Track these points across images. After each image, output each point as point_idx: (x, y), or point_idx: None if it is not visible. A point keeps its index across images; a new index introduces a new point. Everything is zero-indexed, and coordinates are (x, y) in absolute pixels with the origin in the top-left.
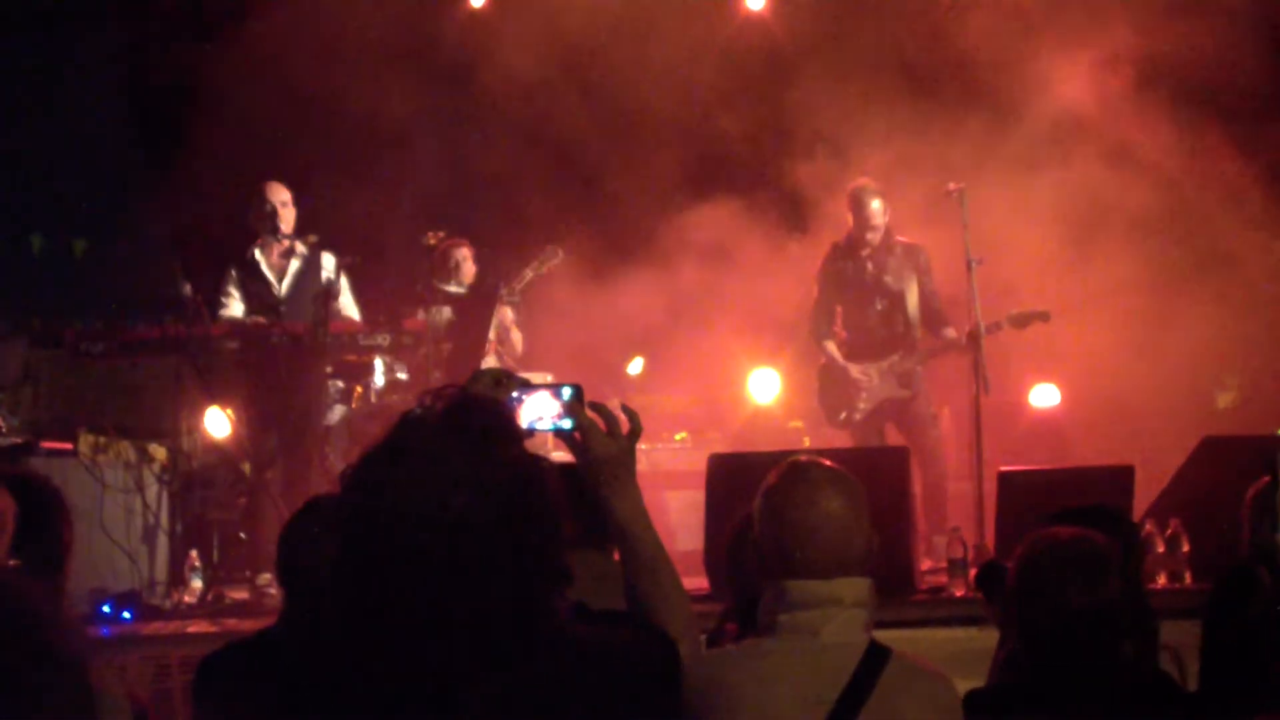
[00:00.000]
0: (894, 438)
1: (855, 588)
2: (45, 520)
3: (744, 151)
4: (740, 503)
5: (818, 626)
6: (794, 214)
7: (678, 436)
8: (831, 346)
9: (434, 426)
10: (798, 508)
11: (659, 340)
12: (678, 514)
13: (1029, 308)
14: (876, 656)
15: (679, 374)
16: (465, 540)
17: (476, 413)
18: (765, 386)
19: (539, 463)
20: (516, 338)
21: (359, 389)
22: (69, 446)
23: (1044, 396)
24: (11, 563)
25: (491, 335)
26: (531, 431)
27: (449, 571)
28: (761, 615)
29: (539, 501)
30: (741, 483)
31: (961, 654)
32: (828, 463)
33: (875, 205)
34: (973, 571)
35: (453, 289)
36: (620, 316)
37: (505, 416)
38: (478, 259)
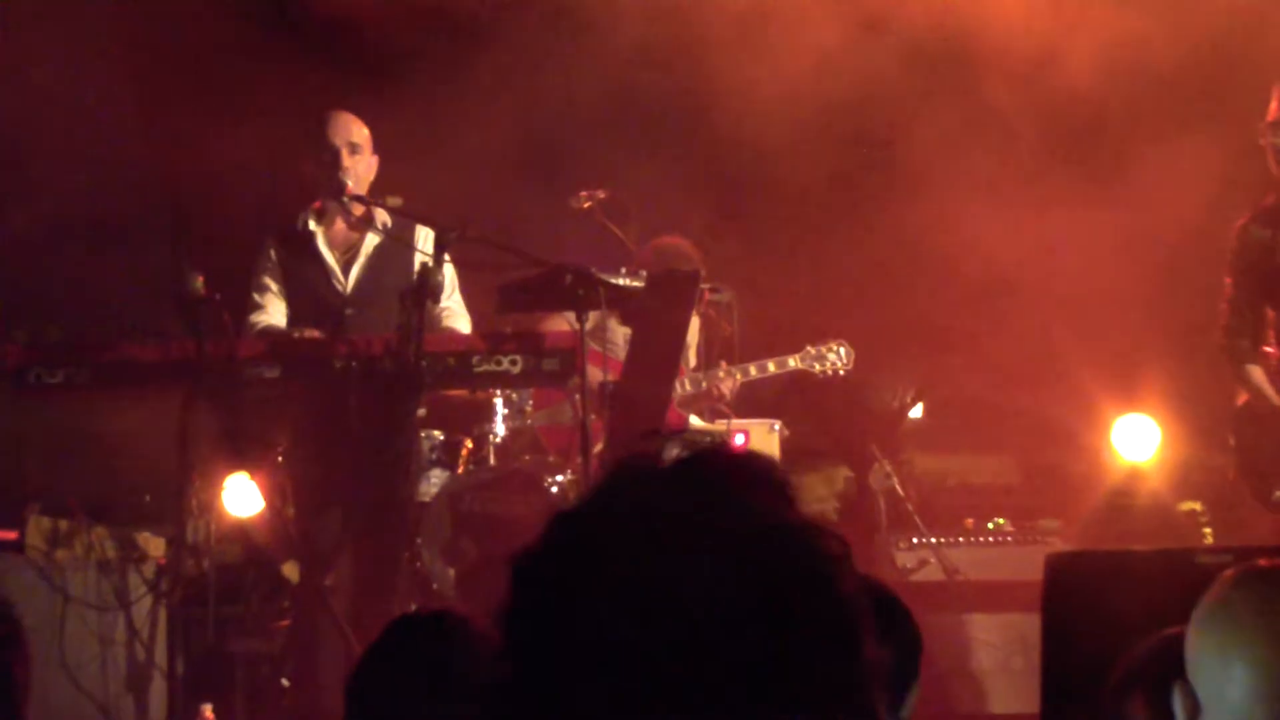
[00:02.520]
0: None
1: None
2: None
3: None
4: (1104, 633)
5: None
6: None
7: (992, 524)
8: (1259, 375)
9: (669, 485)
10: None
11: (949, 369)
12: (991, 650)
13: None
14: None
15: (987, 423)
16: (728, 662)
17: (737, 467)
18: (1139, 442)
19: (837, 544)
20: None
21: (468, 444)
22: (11, 536)
23: None
24: None
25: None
26: None
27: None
28: None
29: (835, 601)
30: (1105, 601)
31: None
32: None
33: None
34: None
35: (624, 281)
36: (887, 330)
37: (777, 474)
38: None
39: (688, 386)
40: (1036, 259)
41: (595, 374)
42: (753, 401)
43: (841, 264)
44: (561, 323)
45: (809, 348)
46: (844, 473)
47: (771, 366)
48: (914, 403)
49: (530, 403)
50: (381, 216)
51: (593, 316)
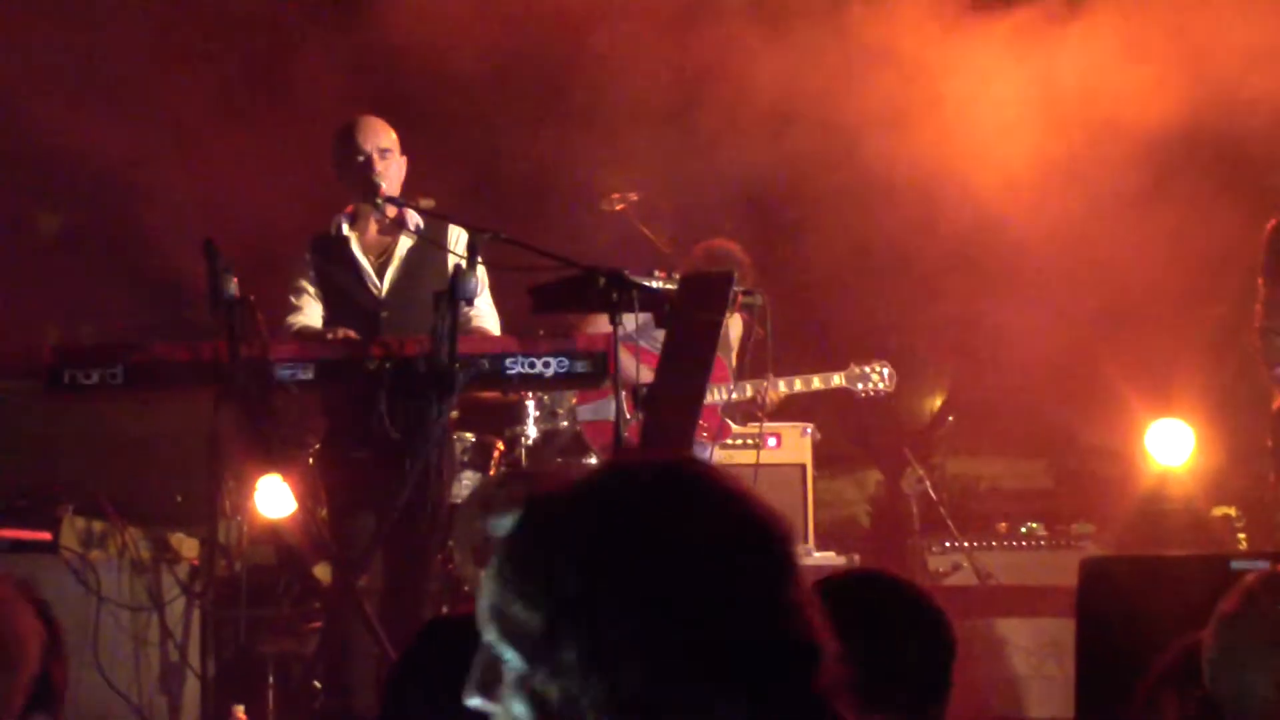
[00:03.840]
0: None
1: None
2: None
3: None
4: (1139, 638)
5: None
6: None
7: (1025, 529)
8: None
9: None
10: None
11: (978, 372)
12: (1026, 655)
13: None
14: None
15: (1019, 427)
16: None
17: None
18: (1173, 447)
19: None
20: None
21: (500, 445)
22: (45, 536)
23: None
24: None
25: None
26: None
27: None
28: None
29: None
30: (1139, 606)
31: None
32: None
33: None
34: None
35: (657, 284)
36: (919, 335)
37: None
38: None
39: (733, 393)
40: (1070, 264)
41: (643, 371)
42: (785, 405)
43: (872, 269)
44: (605, 322)
45: (853, 366)
46: (875, 476)
47: (816, 382)
48: (946, 411)
49: (573, 399)
50: (414, 219)
51: (639, 316)
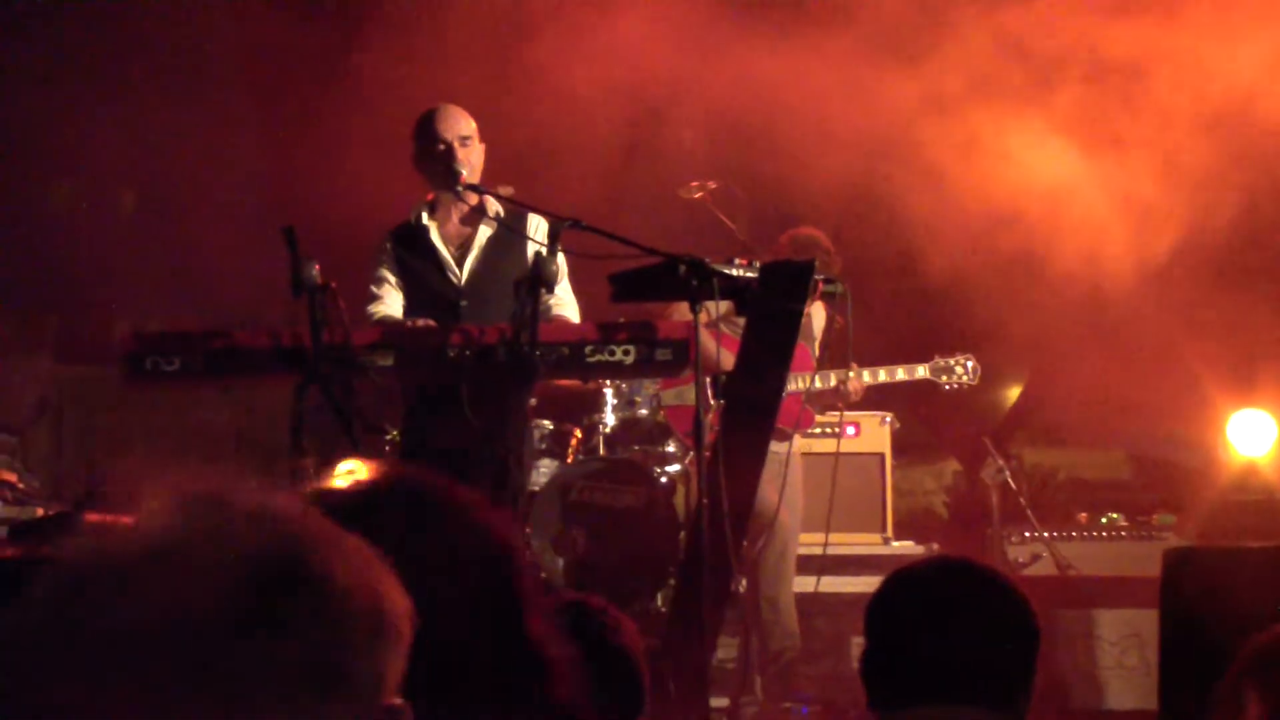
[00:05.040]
0: None
1: None
2: None
3: None
4: (1223, 629)
5: None
6: None
7: (1106, 519)
8: None
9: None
10: None
11: (1055, 357)
12: (1107, 646)
13: None
14: None
15: (1098, 417)
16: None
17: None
18: (1255, 438)
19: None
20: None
21: (577, 434)
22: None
23: None
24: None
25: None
26: None
27: None
28: None
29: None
30: (1223, 597)
31: None
32: None
33: None
34: None
35: (737, 271)
36: (998, 325)
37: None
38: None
39: (818, 382)
40: (1150, 252)
41: (725, 356)
42: (864, 393)
43: (946, 260)
44: (687, 310)
45: (937, 359)
46: (952, 466)
47: (901, 373)
48: (1025, 402)
49: (652, 387)
50: (494, 206)
51: (707, 306)
